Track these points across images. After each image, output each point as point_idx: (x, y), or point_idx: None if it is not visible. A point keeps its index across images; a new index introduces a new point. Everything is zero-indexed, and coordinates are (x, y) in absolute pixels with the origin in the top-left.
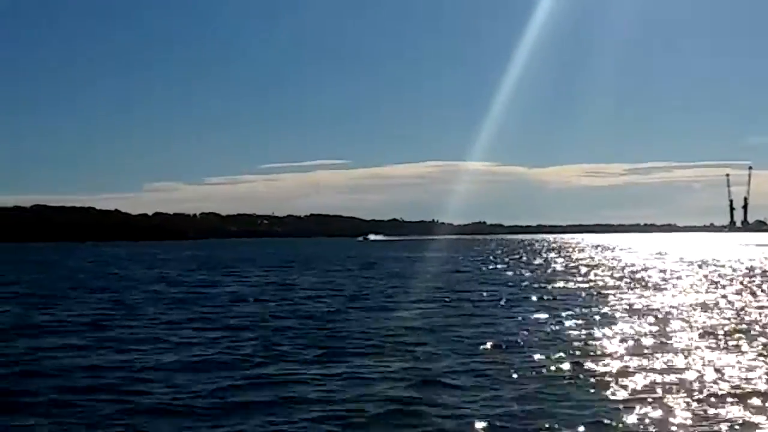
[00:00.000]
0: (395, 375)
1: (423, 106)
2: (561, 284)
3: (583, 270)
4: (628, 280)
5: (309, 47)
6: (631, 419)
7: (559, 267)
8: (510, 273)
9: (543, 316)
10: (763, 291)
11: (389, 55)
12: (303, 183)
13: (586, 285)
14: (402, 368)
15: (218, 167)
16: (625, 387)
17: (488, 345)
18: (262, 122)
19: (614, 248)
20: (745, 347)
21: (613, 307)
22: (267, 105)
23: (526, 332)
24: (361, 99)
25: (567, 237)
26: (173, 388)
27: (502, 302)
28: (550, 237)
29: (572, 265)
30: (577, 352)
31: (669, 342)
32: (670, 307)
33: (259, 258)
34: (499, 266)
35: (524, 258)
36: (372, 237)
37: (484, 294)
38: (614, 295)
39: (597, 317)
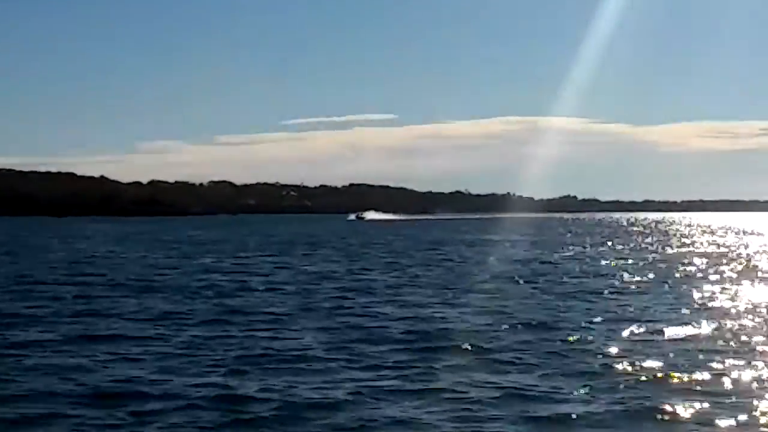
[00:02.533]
0: None
1: (492, 45)
2: None
3: None
4: None
5: None
6: None
7: None
8: None
9: None
10: None
11: None
12: (339, 144)
13: None
14: None
15: (232, 123)
16: None
17: None
18: (287, 67)
19: None
20: None
21: None
22: (292, 46)
23: None
24: (411, 37)
25: (684, 216)
26: None
27: None
28: (661, 216)
29: None
30: None
31: None
32: None
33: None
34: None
35: None
36: (370, 215)
37: None
38: None
39: None
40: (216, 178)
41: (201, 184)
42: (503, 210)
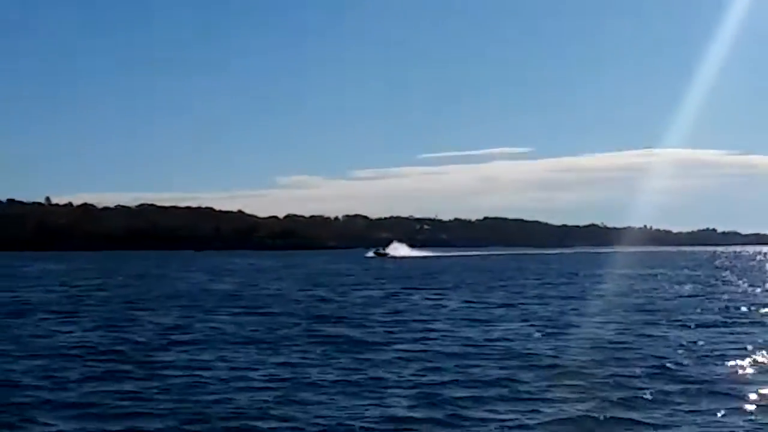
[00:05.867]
0: None
1: (628, 77)
2: None
3: None
4: None
5: (483, 8)
6: None
7: None
8: None
9: None
10: None
11: (580, 12)
12: (474, 177)
13: None
14: None
15: (367, 157)
16: None
17: None
18: (423, 101)
19: None
20: None
21: None
22: (429, 79)
23: None
24: (548, 70)
25: None
26: None
27: None
28: None
29: None
30: None
31: None
32: None
33: None
34: None
35: None
36: (395, 251)
37: None
38: None
39: None
40: (350, 212)
41: (336, 218)
42: (640, 243)
